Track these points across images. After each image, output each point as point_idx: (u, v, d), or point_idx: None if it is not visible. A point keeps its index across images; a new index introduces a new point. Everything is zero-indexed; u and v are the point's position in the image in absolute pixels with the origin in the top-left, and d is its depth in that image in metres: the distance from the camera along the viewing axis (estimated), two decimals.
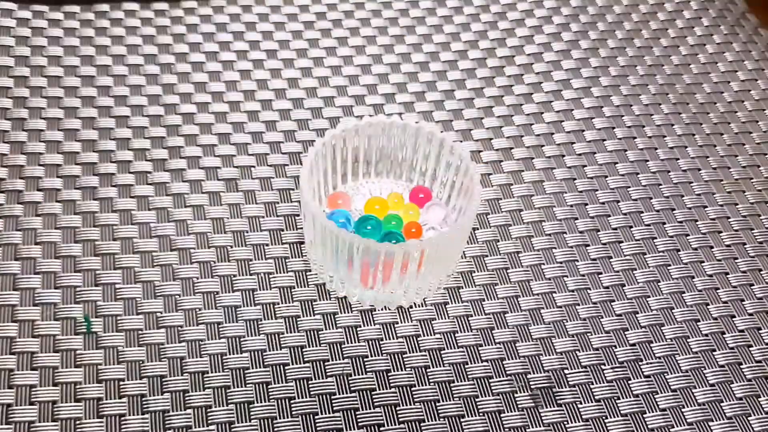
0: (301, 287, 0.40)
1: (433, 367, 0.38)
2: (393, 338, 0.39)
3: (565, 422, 0.37)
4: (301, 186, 0.37)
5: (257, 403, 0.36)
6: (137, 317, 0.38)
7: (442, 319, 0.40)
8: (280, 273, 0.41)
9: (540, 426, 0.37)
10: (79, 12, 0.52)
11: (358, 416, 0.36)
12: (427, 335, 0.39)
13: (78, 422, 0.35)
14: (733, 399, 0.38)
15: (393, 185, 0.43)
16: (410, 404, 0.37)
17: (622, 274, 0.42)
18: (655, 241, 0.44)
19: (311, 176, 0.39)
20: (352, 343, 0.39)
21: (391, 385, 0.37)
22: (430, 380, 0.38)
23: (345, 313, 0.40)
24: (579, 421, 0.37)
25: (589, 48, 0.54)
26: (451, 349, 0.39)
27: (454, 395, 0.37)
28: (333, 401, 0.37)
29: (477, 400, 0.37)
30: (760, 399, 0.38)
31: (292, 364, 0.38)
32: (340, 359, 0.38)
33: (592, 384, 0.38)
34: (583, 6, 0.57)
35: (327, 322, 0.39)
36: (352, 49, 0.52)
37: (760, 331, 0.41)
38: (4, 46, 0.49)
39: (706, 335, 0.40)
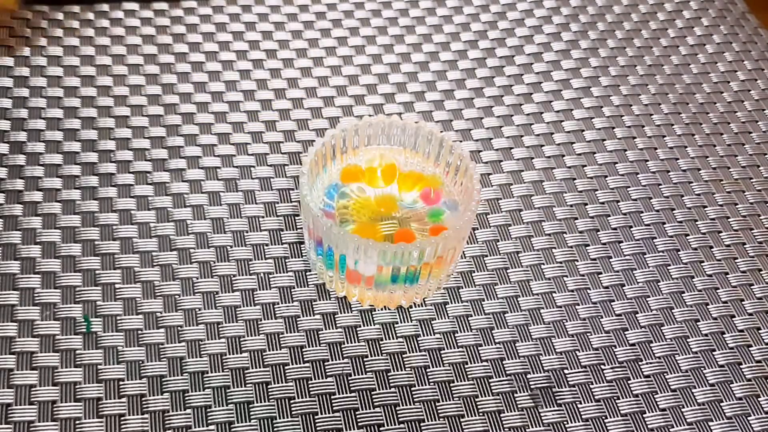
0: (301, 287, 0.40)
1: (433, 367, 0.38)
2: (393, 338, 0.39)
3: (565, 422, 0.37)
4: (300, 186, 0.37)
5: (257, 403, 0.36)
6: (137, 317, 0.38)
7: (441, 319, 0.40)
8: (280, 273, 0.41)
9: (540, 426, 0.37)
10: (79, 12, 0.52)
11: (357, 416, 0.36)
12: (427, 335, 0.39)
13: (77, 422, 0.35)
14: (733, 399, 0.38)
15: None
16: (410, 404, 0.37)
17: (622, 273, 0.42)
18: (654, 241, 0.44)
19: (311, 176, 0.39)
20: (351, 343, 0.39)
21: (391, 385, 0.37)
22: (430, 380, 0.38)
23: (345, 313, 0.40)
24: (579, 421, 0.37)
25: (588, 48, 0.54)
26: (450, 349, 0.39)
27: (454, 395, 0.37)
28: (333, 401, 0.37)
29: (477, 400, 0.37)
30: (759, 399, 0.38)
31: (292, 364, 0.38)
32: (339, 359, 0.38)
33: (592, 384, 0.38)
34: (582, 6, 0.57)
35: (327, 322, 0.39)
36: (351, 49, 0.52)
37: (760, 331, 0.41)
38: (4, 46, 0.49)
39: (706, 335, 0.40)
